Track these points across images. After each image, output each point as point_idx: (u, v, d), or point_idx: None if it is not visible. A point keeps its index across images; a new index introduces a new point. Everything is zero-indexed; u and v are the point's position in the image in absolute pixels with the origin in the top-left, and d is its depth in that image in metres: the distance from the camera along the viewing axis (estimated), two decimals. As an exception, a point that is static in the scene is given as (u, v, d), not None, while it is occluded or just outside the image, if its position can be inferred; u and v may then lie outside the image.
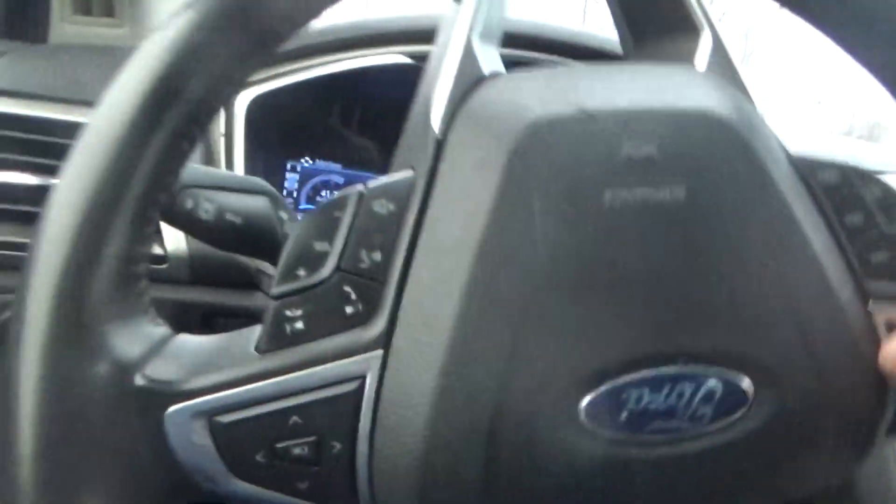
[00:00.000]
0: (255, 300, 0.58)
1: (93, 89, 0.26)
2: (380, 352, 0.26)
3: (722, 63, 0.32)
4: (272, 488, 0.27)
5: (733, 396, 0.28)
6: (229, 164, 0.61)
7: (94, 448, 0.25)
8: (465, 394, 0.26)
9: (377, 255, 0.27)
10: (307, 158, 0.73)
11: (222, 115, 0.61)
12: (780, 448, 0.29)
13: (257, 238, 0.38)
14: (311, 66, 0.65)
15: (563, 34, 0.72)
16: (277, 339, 0.26)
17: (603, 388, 0.26)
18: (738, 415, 0.28)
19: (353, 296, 0.26)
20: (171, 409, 0.26)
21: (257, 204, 0.38)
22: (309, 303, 0.26)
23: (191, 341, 0.28)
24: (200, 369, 0.27)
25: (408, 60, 0.66)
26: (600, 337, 0.26)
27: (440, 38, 0.31)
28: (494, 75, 0.30)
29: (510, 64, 0.31)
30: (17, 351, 0.24)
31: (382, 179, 0.28)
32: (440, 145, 0.28)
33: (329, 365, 0.26)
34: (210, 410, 0.26)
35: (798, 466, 0.30)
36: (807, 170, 0.30)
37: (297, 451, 0.26)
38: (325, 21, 0.66)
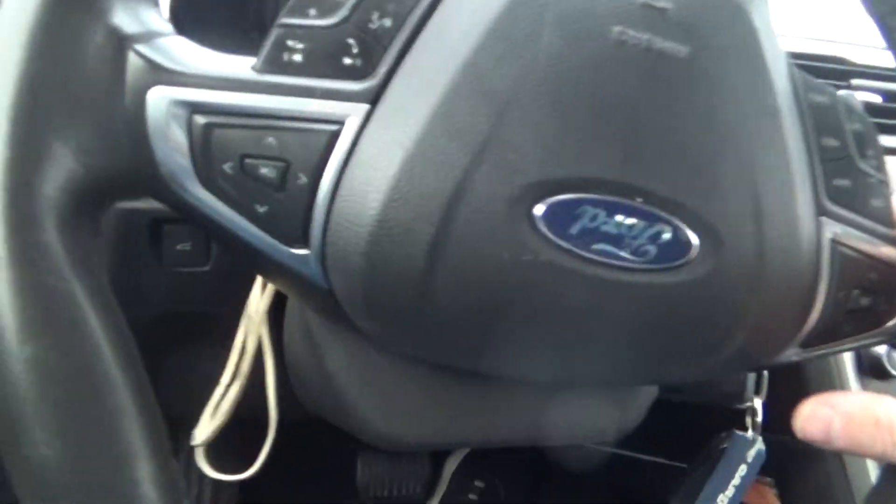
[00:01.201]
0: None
1: None
2: (366, 106, 0.27)
3: None
4: (231, 204, 0.27)
5: (678, 246, 0.29)
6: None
7: (75, 104, 0.26)
8: (433, 165, 0.27)
9: (387, 21, 0.28)
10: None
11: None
12: (701, 311, 0.31)
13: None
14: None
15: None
16: (273, 63, 0.27)
17: (563, 196, 0.28)
18: (676, 263, 0.29)
19: (355, 49, 0.27)
20: (155, 89, 0.26)
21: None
22: (311, 41, 0.27)
23: (188, 42, 0.28)
24: (191, 63, 0.27)
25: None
26: (573, 151, 0.28)
27: None
28: None
29: None
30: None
31: None
32: None
33: (315, 100, 0.27)
34: (192, 104, 0.27)
35: (710, 338, 0.32)
36: (802, 84, 0.32)
37: (264, 170, 0.27)
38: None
